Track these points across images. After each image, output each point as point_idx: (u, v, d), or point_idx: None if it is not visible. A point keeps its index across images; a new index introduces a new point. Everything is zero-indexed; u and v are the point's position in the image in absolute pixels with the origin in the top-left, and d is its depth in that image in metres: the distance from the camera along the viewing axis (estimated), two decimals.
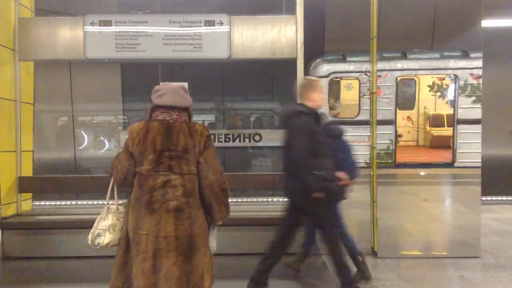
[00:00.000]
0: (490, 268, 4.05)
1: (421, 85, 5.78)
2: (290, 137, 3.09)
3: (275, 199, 6.15)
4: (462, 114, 4.48)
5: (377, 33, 4.36)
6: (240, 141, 6.97)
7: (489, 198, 7.12)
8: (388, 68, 4.49)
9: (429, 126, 6.11)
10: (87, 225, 2.46)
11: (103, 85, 7.71)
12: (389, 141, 4.51)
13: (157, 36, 4.48)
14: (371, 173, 4.54)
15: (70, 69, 7.46)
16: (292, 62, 4.50)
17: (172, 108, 2.26)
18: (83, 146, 7.82)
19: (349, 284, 3.19)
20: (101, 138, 7.95)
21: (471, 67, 4.45)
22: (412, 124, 6.31)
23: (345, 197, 3.53)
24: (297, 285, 3.60)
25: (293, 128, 3.07)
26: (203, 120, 7.85)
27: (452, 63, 4.53)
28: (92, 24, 4.46)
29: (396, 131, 4.57)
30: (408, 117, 6.29)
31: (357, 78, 4.72)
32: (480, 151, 4.45)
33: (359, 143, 4.63)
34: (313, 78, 3.98)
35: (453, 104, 4.55)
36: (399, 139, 4.82)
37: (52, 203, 6.05)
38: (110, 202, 2.36)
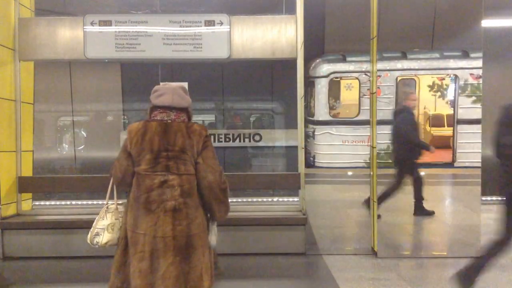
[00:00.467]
0: (490, 268, 4.04)
1: (421, 85, 5.79)
2: None
3: (275, 199, 6.15)
4: (462, 114, 4.49)
5: (377, 33, 4.36)
6: (240, 141, 6.97)
7: (489, 198, 7.12)
8: (388, 68, 4.49)
9: (429, 126, 6.11)
10: (87, 225, 2.46)
11: (103, 85, 7.72)
12: (389, 141, 4.51)
13: (157, 36, 4.48)
14: (371, 173, 4.54)
15: (70, 69, 7.47)
16: (292, 62, 4.49)
17: (170, 109, 2.25)
18: (82, 146, 7.83)
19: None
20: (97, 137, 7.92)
21: (471, 67, 4.46)
22: None
23: None
24: (297, 285, 3.60)
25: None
26: (203, 120, 7.86)
27: (452, 63, 4.53)
28: (92, 24, 4.46)
29: None
30: None
31: (357, 78, 4.73)
32: (480, 151, 4.45)
33: (359, 143, 4.63)
34: None
35: (453, 104, 4.55)
36: None
37: (52, 203, 6.05)
38: (110, 202, 2.37)
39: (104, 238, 2.29)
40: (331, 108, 4.96)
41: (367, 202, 4.37)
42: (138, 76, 7.11)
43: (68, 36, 4.49)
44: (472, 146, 4.45)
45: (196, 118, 7.37)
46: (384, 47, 4.37)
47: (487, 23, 5.36)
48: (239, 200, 6.18)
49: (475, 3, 4.39)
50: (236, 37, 4.49)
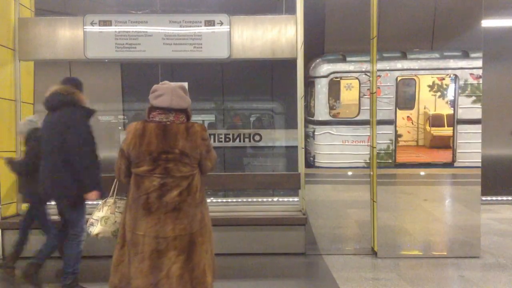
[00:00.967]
0: (490, 268, 4.04)
1: (421, 85, 5.77)
2: None
3: (275, 199, 6.15)
4: (462, 114, 4.48)
5: (377, 33, 4.36)
6: (240, 141, 6.95)
7: (489, 198, 7.12)
8: (388, 68, 4.48)
9: (429, 126, 6.10)
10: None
11: (103, 85, 7.71)
12: (389, 141, 4.51)
13: (157, 36, 4.48)
14: (371, 173, 4.54)
15: (70, 69, 7.46)
16: (292, 62, 4.50)
17: (169, 110, 2.23)
18: None
19: None
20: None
21: (471, 67, 4.45)
22: (412, 124, 6.30)
23: None
24: (297, 285, 3.60)
25: None
26: (203, 120, 7.85)
27: (452, 63, 4.52)
28: (92, 24, 4.46)
29: (396, 131, 4.57)
30: (408, 117, 6.28)
31: (357, 78, 4.72)
32: (480, 151, 4.45)
33: (359, 143, 4.63)
34: None
35: (453, 104, 4.55)
36: (399, 139, 4.80)
37: (53, 203, 6.03)
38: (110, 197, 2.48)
39: (96, 229, 2.39)
40: (331, 108, 4.95)
41: None
42: (138, 76, 7.10)
43: (68, 36, 4.49)
44: (472, 146, 4.44)
45: (196, 118, 7.36)
46: (384, 47, 4.37)
47: (487, 23, 5.36)
48: (239, 200, 6.18)
49: (475, 3, 4.38)
50: (236, 37, 4.49)
